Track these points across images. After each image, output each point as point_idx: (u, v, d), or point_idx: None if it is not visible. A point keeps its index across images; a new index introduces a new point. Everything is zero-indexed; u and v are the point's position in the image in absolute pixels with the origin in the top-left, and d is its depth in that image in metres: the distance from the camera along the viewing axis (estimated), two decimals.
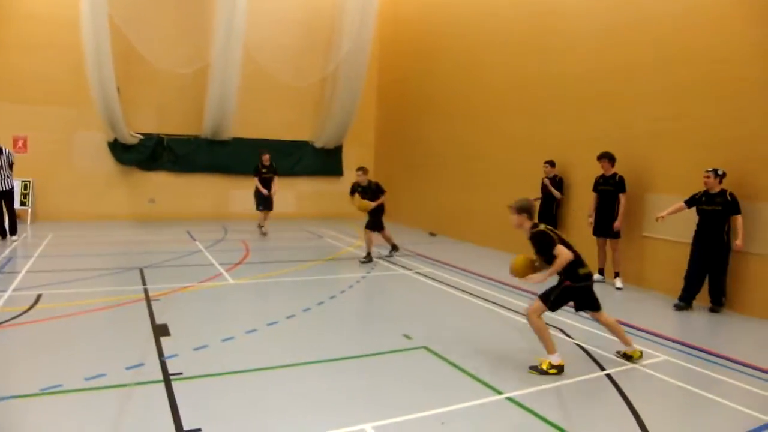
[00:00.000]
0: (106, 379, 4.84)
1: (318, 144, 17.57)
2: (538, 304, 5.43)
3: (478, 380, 5.04)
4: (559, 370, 5.26)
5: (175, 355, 5.41)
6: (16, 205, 12.34)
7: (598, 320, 5.73)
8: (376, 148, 18.56)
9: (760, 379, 5.33)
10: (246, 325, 6.44)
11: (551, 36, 10.98)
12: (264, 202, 13.79)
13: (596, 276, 9.34)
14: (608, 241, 9.18)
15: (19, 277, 8.51)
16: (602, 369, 5.42)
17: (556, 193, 10.22)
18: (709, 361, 5.80)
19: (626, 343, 5.68)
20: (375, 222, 10.61)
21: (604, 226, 9.10)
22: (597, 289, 8.80)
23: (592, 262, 9.31)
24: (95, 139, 15.14)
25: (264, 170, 13.86)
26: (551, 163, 10.33)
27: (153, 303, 7.26)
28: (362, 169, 10.72)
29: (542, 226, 5.47)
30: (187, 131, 16.11)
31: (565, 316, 7.22)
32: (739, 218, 7.49)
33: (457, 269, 9.98)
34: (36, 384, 4.67)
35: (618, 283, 9.00)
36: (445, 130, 14.43)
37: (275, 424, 4.18)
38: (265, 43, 16.05)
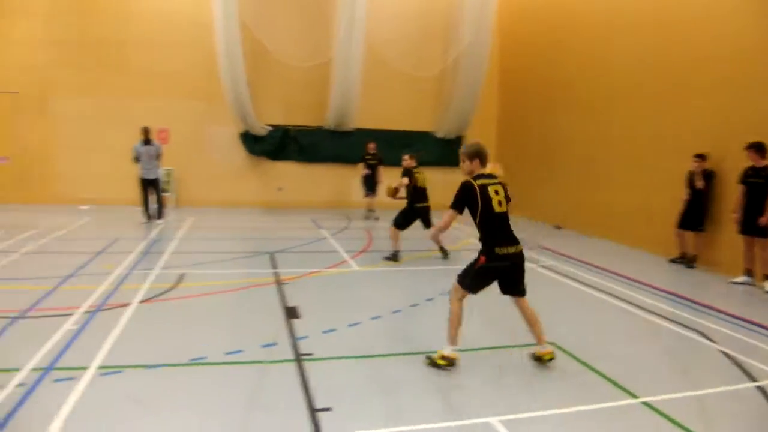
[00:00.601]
0: (243, 355, 5.15)
1: (439, 134, 17.52)
2: (456, 286, 5.06)
3: (611, 381, 4.79)
4: (450, 362, 4.89)
5: (306, 337, 5.64)
6: None
7: (517, 306, 5.19)
8: (498, 137, 18.17)
9: None
10: (371, 311, 6.57)
11: (686, 18, 10.13)
12: (369, 187, 14.65)
13: (743, 278, 8.57)
14: (756, 239, 8.37)
15: (165, 257, 9.26)
16: (753, 380, 4.95)
17: (699, 183, 9.42)
18: None
19: (540, 341, 5.08)
20: (396, 218, 9.57)
21: (753, 223, 8.29)
22: (743, 291, 8.22)
23: (740, 262, 8.58)
24: (228, 130, 16.12)
25: (368, 157, 14.63)
26: (701, 157, 9.49)
27: (283, 286, 7.61)
28: (408, 154, 9.85)
29: (478, 183, 4.91)
30: (311, 122, 16.71)
31: (707, 319, 6.69)
32: None
33: (585, 264, 9.56)
34: (185, 355, 5.08)
35: None
36: (571, 119, 13.83)
37: (403, 410, 4.23)
38: (386, 35, 16.24)
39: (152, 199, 12.53)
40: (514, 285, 5.14)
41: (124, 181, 13.70)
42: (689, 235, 9.80)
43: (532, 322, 5.11)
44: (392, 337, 5.83)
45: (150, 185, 12.40)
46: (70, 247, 9.90)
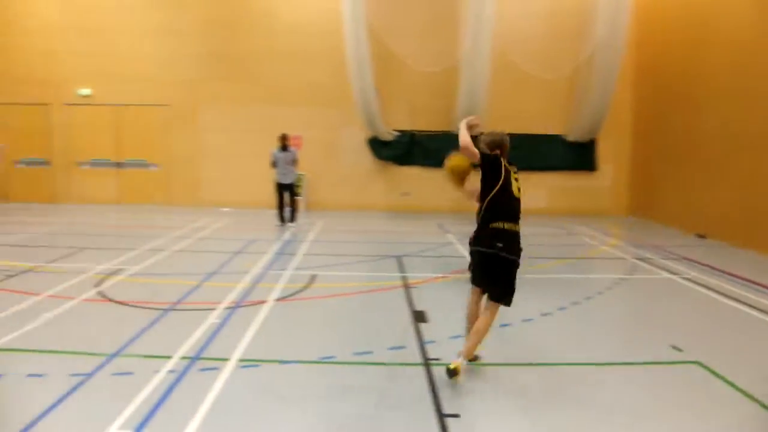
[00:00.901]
0: (372, 356, 5.23)
1: (570, 137, 16.80)
2: None
3: None
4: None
5: (433, 342, 5.62)
6: None
7: (482, 309, 4.72)
8: (634, 137, 17.09)
9: None
10: (500, 319, 6.37)
11: None
12: None
13: None
14: None
15: (298, 258, 9.66)
16: None
17: None
18: None
19: (465, 353, 4.63)
20: None
21: None
22: None
23: None
24: (356, 136, 16.57)
25: None
26: None
27: (411, 290, 7.65)
28: None
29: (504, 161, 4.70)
30: (437, 127, 16.68)
31: None
32: None
33: (735, 278, 8.68)
34: (315, 353, 5.26)
35: None
36: (721, 117, 12.57)
37: (533, 421, 4.07)
38: (514, 36, 15.86)
39: (286, 202, 13.15)
40: (489, 278, 4.77)
41: (261, 185, 14.52)
42: None
43: (477, 330, 4.71)
44: (521, 346, 5.65)
45: (285, 189, 13.02)
46: (212, 247, 10.65)
